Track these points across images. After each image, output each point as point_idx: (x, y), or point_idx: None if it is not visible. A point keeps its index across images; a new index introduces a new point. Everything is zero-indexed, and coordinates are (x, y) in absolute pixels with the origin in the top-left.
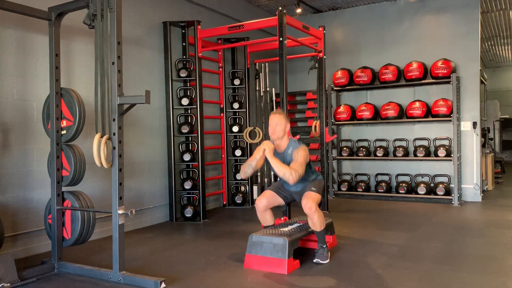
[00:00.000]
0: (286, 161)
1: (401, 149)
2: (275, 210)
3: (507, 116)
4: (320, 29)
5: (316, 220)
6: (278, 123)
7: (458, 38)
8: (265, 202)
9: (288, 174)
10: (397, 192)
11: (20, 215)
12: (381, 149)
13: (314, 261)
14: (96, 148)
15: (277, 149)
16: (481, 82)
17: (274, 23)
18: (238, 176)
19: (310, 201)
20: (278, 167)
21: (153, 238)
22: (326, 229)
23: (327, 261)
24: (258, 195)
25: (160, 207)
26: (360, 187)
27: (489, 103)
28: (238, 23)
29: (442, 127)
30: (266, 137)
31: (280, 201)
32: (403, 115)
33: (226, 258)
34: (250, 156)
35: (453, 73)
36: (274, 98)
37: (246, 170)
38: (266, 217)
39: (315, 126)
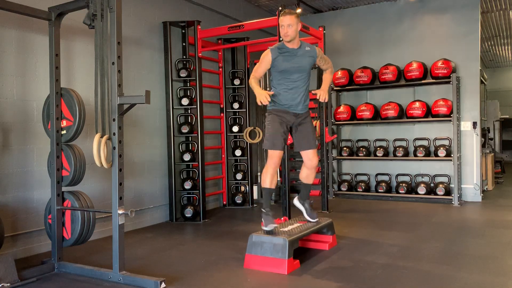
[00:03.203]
0: (304, 59)
1: (401, 149)
2: (275, 211)
3: (507, 116)
4: (320, 29)
5: (314, 175)
6: (290, 23)
7: (458, 38)
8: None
9: (332, 76)
10: (397, 192)
11: (20, 215)
12: (381, 149)
13: (307, 218)
14: (96, 148)
15: (290, 46)
16: (481, 82)
17: (274, 23)
18: (238, 176)
19: (316, 160)
20: (331, 80)
21: (153, 238)
22: (327, 229)
23: (316, 219)
24: (258, 195)
25: (160, 207)
26: (360, 187)
27: (489, 103)
28: (238, 23)
29: (442, 127)
30: None
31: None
32: (403, 115)
33: (226, 258)
34: (249, 156)
35: (453, 73)
36: None
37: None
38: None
39: (315, 126)
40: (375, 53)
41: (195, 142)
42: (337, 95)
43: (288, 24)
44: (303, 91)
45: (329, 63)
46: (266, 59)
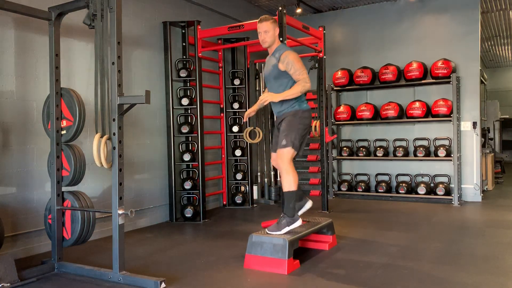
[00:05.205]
0: (271, 64)
1: (401, 149)
2: (275, 211)
3: (507, 116)
4: (320, 29)
5: (283, 180)
6: (266, 30)
7: (458, 38)
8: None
9: (300, 89)
10: (397, 192)
11: (20, 215)
12: (381, 149)
13: (267, 230)
14: (96, 148)
15: (269, 53)
16: (481, 82)
17: None
18: (238, 176)
19: (280, 162)
20: (292, 93)
21: (153, 238)
22: (327, 229)
23: (278, 232)
24: (258, 195)
25: (160, 207)
26: (360, 187)
27: (489, 103)
28: (238, 23)
29: (442, 127)
30: (267, 137)
31: None
32: (403, 115)
33: (226, 258)
34: (249, 156)
35: (453, 73)
36: None
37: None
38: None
39: (315, 126)
40: (375, 53)
41: (195, 142)
42: (337, 95)
43: (265, 31)
44: None
45: (298, 74)
46: None
